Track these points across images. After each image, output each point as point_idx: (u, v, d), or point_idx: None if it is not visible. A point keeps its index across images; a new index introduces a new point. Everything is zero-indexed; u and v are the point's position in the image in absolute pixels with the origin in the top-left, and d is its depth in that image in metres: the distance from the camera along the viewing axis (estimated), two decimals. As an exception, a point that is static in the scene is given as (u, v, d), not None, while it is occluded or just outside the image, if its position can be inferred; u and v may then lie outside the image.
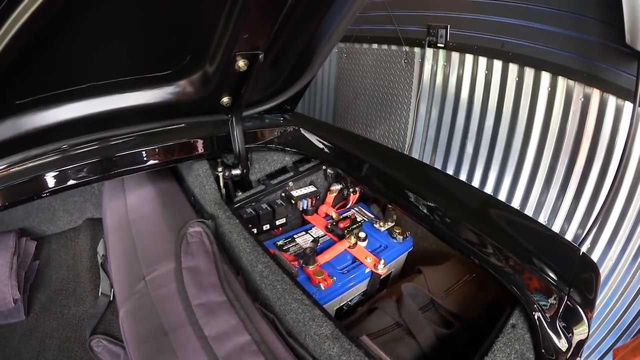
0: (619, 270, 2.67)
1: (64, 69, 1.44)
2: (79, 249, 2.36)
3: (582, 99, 2.58)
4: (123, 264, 1.65)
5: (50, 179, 1.65)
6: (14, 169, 1.58)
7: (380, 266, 1.84)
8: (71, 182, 1.70)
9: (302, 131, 2.34)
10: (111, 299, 1.97)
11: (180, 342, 1.28)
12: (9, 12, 1.00)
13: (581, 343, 1.30)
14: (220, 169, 2.02)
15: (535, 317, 1.30)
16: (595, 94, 2.51)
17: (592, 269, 1.47)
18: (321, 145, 2.29)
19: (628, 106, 2.38)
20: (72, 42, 1.32)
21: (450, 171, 3.55)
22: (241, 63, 1.68)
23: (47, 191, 1.66)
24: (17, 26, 1.03)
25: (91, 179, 1.76)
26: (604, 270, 2.73)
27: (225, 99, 1.90)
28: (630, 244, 2.59)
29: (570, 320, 1.30)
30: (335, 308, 1.83)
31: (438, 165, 3.65)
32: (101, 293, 1.98)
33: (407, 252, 2.11)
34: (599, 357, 2.91)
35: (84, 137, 1.72)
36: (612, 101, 2.46)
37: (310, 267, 1.76)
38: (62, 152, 1.67)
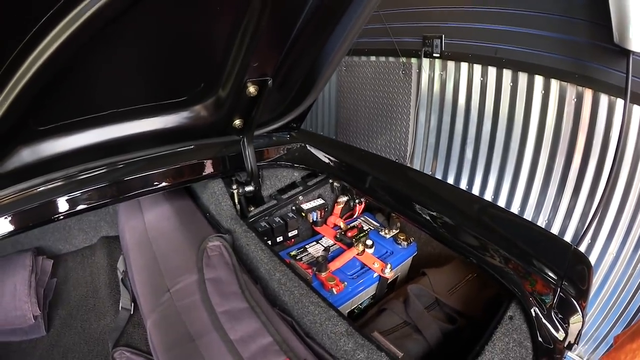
0: (620, 263, 2.82)
1: (86, 98, 1.59)
2: (96, 266, 2.49)
3: (575, 100, 2.73)
4: (146, 278, 1.83)
5: (69, 202, 1.78)
6: (33, 192, 1.71)
7: (387, 270, 2.02)
8: (90, 204, 1.84)
9: (309, 147, 2.53)
10: (132, 312, 2.05)
11: (207, 346, 1.45)
12: (36, 44, 1.13)
13: (578, 332, 1.44)
14: (234, 187, 2.21)
15: (531, 309, 1.45)
16: (588, 94, 2.67)
17: (584, 262, 1.61)
18: (327, 161, 2.49)
19: (620, 103, 2.53)
20: (94, 72, 1.47)
21: (451, 177, 3.70)
22: (252, 89, 1.85)
23: (66, 213, 1.79)
24: (43, 58, 1.16)
25: (110, 201, 1.91)
26: (605, 264, 2.88)
27: (237, 122, 2.08)
28: (630, 237, 2.73)
29: (565, 310, 1.44)
30: (347, 311, 1.99)
31: (439, 171, 3.80)
32: (122, 307, 2.06)
33: (411, 257, 2.29)
34: (608, 346, 3.03)
35: (102, 161, 1.87)
36: (604, 99, 2.61)
37: (323, 273, 1.95)
38: (82, 175, 1.82)
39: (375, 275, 2.08)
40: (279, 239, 2.30)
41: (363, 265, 2.11)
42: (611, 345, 2.92)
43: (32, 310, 2.06)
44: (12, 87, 1.23)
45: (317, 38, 1.81)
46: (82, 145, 1.75)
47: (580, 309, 1.45)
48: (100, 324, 2.14)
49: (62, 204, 1.78)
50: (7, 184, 1.69)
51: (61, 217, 1.80)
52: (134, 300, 2.07)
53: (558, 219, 3.07)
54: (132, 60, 1.55)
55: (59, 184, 1.78)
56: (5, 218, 1.66)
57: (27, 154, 1.63)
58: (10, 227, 1.67)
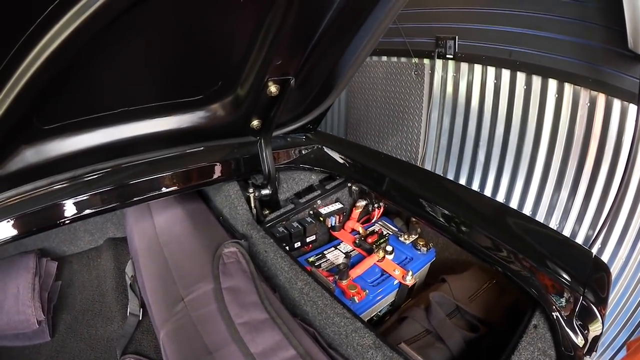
0: (630, 267, 2.77)
1: (95, 95, 1.50)
2: (103, 269, 2.38)
3: (589, 104, 2.68)
4: (158, 285, 1.73)
5: (75, 206, 1.68)
6: (37, 195, 1.61)
7: (409, 277, 1.94)
8: (98, 208, 1.75)
9: (326, 149, 2.44)
10: (140, 318, 1.99)
11: (226, 359, 1.36)
12: (41, 36, 1.04)
13: (596, 338, 1.41)
14: (251, 190, 2.09)
15: (554, 317, 1.41)
16: (601, 98, 2.61)
17: (604, 269, 1.59)
18: (345, 163, 2.40)
19: (632, 108, 2.48)
20: (104, 68, 1.38)
21: (463, 178, 3.64)
22: (273, 88, 1.76)
23: (71, 218, 1.69)
24: (48, 52, 1.07)
25: (119, 205, 1.82)
26: (614, 269, 2.83)
27: (255, 122, 1.98)
28: (640, 242, 2.67)
29: (586, 318, 1.41)
30: (366, 319, 1.85)
31: (451, 173, 3.73)
32: (130, 313, 1.99)
33: (430, 263, 2.18)
34: (613, 352, 3.00)
35: (112, 162, 1.78)
36: (617, 104, 2.55)
37: (344, 281, 1.85)
38: (89, 177, 1.73)
39: (395, 282, 1.98)
40: (297, 244, 2.17)
41: (383, 272, 2.02)
42: (620, 349, 2.97)
43: (36, 314, 1.97)
44: (15, 83, 1.14)
45: (342, 37, 1.72)
46: (90, 145, 1.65)
47: (601, 316, 1.42)
48: (107, 329, 2.06)
49: (68, 208, 1.68)
50: (10, 186, 1.60)
51: (67, 222, 1.69)
52: (142, 305, 1.99)
53: (569, 223, 3.01)
54: (145, 55, 1.46)
55: (65, 186, 1.68)
56: (8, 222, 1.56)
57: (31, 155, 1.54)
58: (13, 232, 1.58)
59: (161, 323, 1.56)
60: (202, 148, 2.02)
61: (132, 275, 2.08)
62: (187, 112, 1.82)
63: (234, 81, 1.77)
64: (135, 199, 1.84)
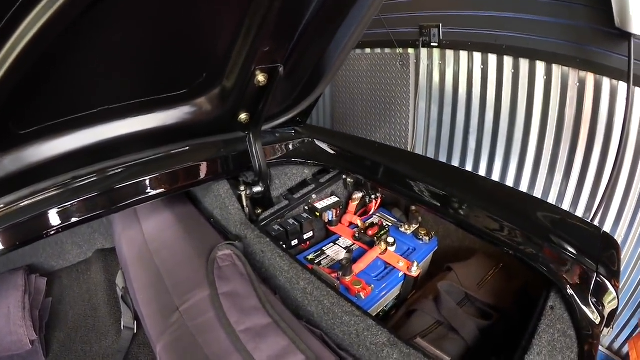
0: (628, 245, 2.69)
1: (73, 94, 1.36)
2: (93, 283, 2.27)
3: (578, 84, 2.59)
4: (152, 296, 1.58)
5: (60, 215, 1.52)
6: (21, 205, 1.45)
7: (414, 269, 1.81)
8: (84, 216, 1.57)
9: (317, 142, 2.31)
10: (135, 331, 1.90)
11: None
12: (9, 32, 0.92)
13: (613, 313, 1.35)
14: (242, 188, 1.95)
15: (570, 295, 1.33)
16: (590, 78, 2.52)
17: (614, 244, 1.53)
18: (338, 155, 2.27)
19: (622, 86, 2.39)
20: (81, 64, 1.24)
21: None
22: (261, 77, 1.63)
23: (57, 228, 1.53)
24: (18, 48, 0.94)
25: (106, 212, 1.66)
26: None
27: (242, 116, 1.84)
28: (637, 220, 2.61)
29: (601, 294, 1.34)
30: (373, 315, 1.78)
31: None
32: (124, 327, 1.89)
33: (432, 252, 2.07)
34: (618, 329, 2.93)
35: (96, 166, 1.63)
36: (606, 83, 2.47)
37: (348, 277, 1.72)
38: (73, 184, 1.57)
39: (400, 274, 1.86)
40: (294, 242, 2.03)
41: (387, 265, 1.89)
42: (623, 327, 2.88)
43: (28, 334, 1.86)
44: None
45: (330, 24, 1.62)
46: (72, 149, 1.50)
47: (615, 290, 1.36)
48: (102, 345, 1.98)
49: (53, 218, 1.51)
50: (-9, 198, 1.41)
51: (52, 233, 1.53)
52: (136, 318, 1.89)
53: (565, 206, 2.90)
54: (123, 49, 1.31)
55: (48, 195, 1.51)
56: None
57: (9, 163, 1.38)
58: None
59: (157, 336, 1.41)
60: (188, 147, 1.88)
61: (123, 287, 1.96)
62: (172, 107, 1.68)
63: (220, 72, 1.63)
64: (122, 204, 1.67)
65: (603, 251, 1.47)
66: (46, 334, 2.00)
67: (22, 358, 1.86)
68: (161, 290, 1.56)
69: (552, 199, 2.95)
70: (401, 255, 1.91)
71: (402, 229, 2.08)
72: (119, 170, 1.68)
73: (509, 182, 3.15)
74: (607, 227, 2.74)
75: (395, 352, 1.25)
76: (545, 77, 2.72)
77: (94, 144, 1.54)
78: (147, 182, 1.73)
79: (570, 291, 1.33)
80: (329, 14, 1.52)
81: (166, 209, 2.00)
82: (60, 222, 1.53)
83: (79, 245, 2.42)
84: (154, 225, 1.92)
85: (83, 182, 1.59)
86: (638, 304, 2.78)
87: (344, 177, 2.31)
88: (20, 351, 1.84)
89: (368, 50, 3.80)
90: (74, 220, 1.56)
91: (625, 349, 2.92)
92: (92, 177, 1.61)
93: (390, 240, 1.94)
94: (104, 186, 1.62)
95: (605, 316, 1.32)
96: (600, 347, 3.02)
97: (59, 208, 1.51)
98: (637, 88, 2.36)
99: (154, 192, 1.76)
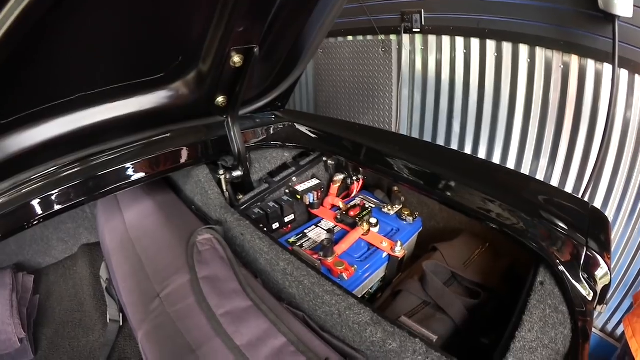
0: (618, 226, 2.68)
1: (50, 81, 1.32)
2: (79, 277, 2.25)
3: (562, 67, 2.57)
4: (133, 285, 1.54)
5: (43, 204, 1.49)
6: (4, 197, 1.43)
7: (398, 248, 1.77)
8: (67, 204, 1.54)
9: (297, 126, 2.28)
10: (121, 324, 1.89)
11: (211, 356, 1.19)
12: None
13: (605, 289, 1.33)
14: (221, 172, 1.91)
15: (560, 270, 1.30)
16: (574, 60, 2.50)
17: (602, 218, 1.52)
18: (318, 137, 2.24)
19: (607, 67, 2.38)
20: (56, 51, 1.21)
21: None
22: (236, 59, 1.58)
23: (40, 217, 1.50)
24: None
25: (88, 198, 1.63)
26: None
27: (220, 99, 1.79)
28: (625, 201, 2.59)
29: (592, 269, 1.32)
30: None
31: None
32: (110, 320, 1.88)
33: (417, 233, 2.05)
34: (611, 311, 2.93)
35: (76, 155, 1.59)
36: (591, 65, 2.45)
37: (330, 258, 1.67)
38: (54, 173, 1.54)
39: (384, 255, 1.82)
40: (275, 225, 2.00)
41: (370, 246, 1.85)
42: (617, 308, 2.89)
43: (17, 332, 1.84)
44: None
45: (305, 3, 1.61)
46: (52, 137, 1.47)
47: (606, 265, 1.34)
48: (89, 339, 1.96)
49: (36, 208, 1.48)
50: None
51: (35, 223, 1.49)
52: (121, 310, 1.89)
53: (552, 187, 2.85)
54: (98, 33, 1.27)
55: (31, 186, 1.49)
56: None
57: None
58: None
59: (138, 324, 1.37)
60: (167, 132, 1.84)
61: (107, 278, 1.96)
62: (149, 92, 1.65)
63: (196, 55, 1.59)
64: (103, 190, 1.65)
65: (592, 225, 1.44)
66: (34, 331, 1.98)
67: (11, 357, 1.83)
68: (142, 278, 1.52)
69: (538, 181, 2.91)
70: (385, 236, 1.88)
71: (385, 210, 2.05)
72: (99, 157, 1.65)
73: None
74: (595, 209, 2.71)
75: (379, 330, 1.20)
76: (529, 60, 2.70)
77: (74, 132, 1.51)
78: (127, 169, 1.70)
79: (560, 266, 1.30)
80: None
81: (147, 197, 1.97)
82: (42, 212, 1.50)
83: (64, 241, 2.39)
84: (135, 214, 1.89)
85: (64, 171, 1.56)
86: (630, 285, 2.76)
87: (324, 159, 2.28)
88: (9, 350, 1.81)
89: (350, 38, 3.77)
90: (57, 208, 1.53)
91: (619, 330, 2.92)
92: (73, 165, 1.58)
93: (373, 221, 1.91)
94: (85, 174, 1.59)
95: (598, 292, 1.30)
96: (593, 329, 3.01)
97: (40, 198, 1.48)
98: (622, 70, 2.34)
99: (134, 178, 1.73)
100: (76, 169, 1.58)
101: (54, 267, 2.35)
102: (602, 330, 3.02)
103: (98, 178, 1.62)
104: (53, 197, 1.51)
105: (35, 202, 1.47)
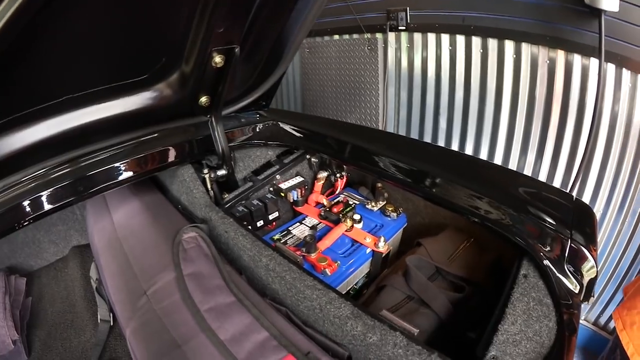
0: (608, 219, 2.69)
1: (37, 85, 1.35)
2: (70, 279, 2.26)
3: (548, 62, 2.58)
4: (121, 283, 1.56)
5: (33, 205, 1.52)
6: None
7: (381, 244, 1.80)
8: (54, 205, 1.57)
9: (281, 124, 2.30)
10: (111, 324, 1.89)
11: (196, 351, 1.21)
12: None
13: (592, 282, 1.32)
14: (205, 171, 1.94)
15: (544, 263, 1.31)
16: (561, 55, 2.52)
17: (587, 210, 1.52)
18: (302, 135, 2.26)
19: (594, 62, 2.39)
20: (42, 56, 1.24)
21: None
22: (218, 59, 1.62)
23: (30, 218, 1.52)
24: None
25: (75, 199, 1.65)
26: None
27: (203, 99, 1.83)
28: (615, 194, 2.60)
29: (578, 261, 1.32)
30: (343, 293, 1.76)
31: None
32: (100, 319, 1.89)
33: (402, 229, 2.07)
34: (603, 305, 2.94)
35: (63, 156, 1.62)
36: (577, 60, 2.46)
37: (313, 254, 1.70)
38: (42, 175, 1.57)
39: (368, 251, 1.85)
40: (260, 223, 2.03)
41: (354, 242, 1.89)
42: (609, 301, 2.90)
43: (10, 334, 1.83)
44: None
45: (285, 3, 1.65)
46: (40, 139, 1.50)
47: (592, 257, 1.34)
48: (80, 340, 1.96)
49: (25, 209, 1.51)
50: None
51: (25, 223, 1.52)
52: (111, 310, 1.88)
53: (540, 182, 2.86)
54: (84, 36, 1.30)
55: (20, 188, 1.52)
56: None
57: None
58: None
59: (126, 321, 1.40)
60: (153, 133, 1.88)
61: (96, 279, 1.96)
62: (134, 93, 1.68)
63: (178, 56, 1.62)
64: (90, 191, 1.68)
65: (576, 218, 1.45)
66: (28, 333, 1.98)
67: (5, 359, 1.83)
68: (130, 276, 1.55)
69: (526, 176, 2.93)
70: (369, 232, 1.90)
71: (369, 206, 2.08)
72: (87, 158, 1.68)
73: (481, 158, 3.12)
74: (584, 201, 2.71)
75: (359, 324, 1.22)
76: (514, 56, 2.71)
77: (61, 133, 1.54)
78: (114, 169, 1.73)
79: (543, 258, 1.32)
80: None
81: (135, 198, 2.00)
82: (32, 213, 1.53)
83: (55, 243, 2.41)
84: (122, 214, 1.92)
85: (54, 172, 1.59)
86: (622, 278, 2.78)
87: (308, 156, 2.30)
88: (3, 352, 1.81)
89: (336, 37, 3.78)
90: (47, 208, 1.56)
91: (612, 324, 2.91)
92: (62, 166, 1.62)
93: (357, 217, 1.93)
94: (74, 175, 1.62)
95: (585, 285, 1.31)
96: (586, 323, 3.05)
97: (30, 199, 1.51)
98: (609, 64, 2.35)
99: (120, 178, 1.76)
100: (65, 170, 1.61)
101: (45, 270, 2.36)
102: (595, 323, 3.03)
103: (86, 178, 1.65)
104: (43, 198, 1.54)
105: (25, 203, 1.49)
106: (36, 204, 1.52)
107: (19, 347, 1.86)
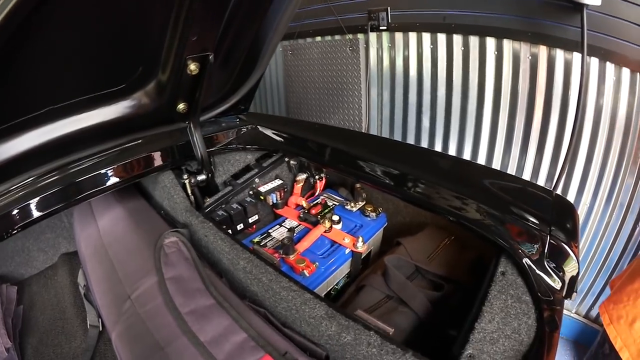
0: (595, 213, 2.70)
1: (18, 97, 1.38)
2: (60, 286, 2.28)
3: (530, 57, 2.59)
4: (106, 288, 1.60)
5: (19, 215, 1.55)
6: None
7: (360, 244, 1.81)
8: (41, 213, 1.60)
9: (260, 128, 2.34)
10: (100, 329, 1.91)
11: (178, 353, 1.24)
12: None
13: (574, 279, 1.32)
14: (185, 176, 1.98)
15: (523, 261, 1.31)
16: (543, 51, 2.53)
17: (567, 205, 1.54)
18: (280, 138, 2.30)
19: (577, 56, 2.40)
20: (22, 68, 1.27)
21: None
22: (192, 66, 1.65)
23: (19, 226, 1.56)
24: None
25: (61, 207, 1.68)
26: (580, 215, 2.73)
27: (181, 106, 1.86)
28: (601, 187, 2.61)
29: (558, 258, 1.33)
30: (323, 293, 1.79)
31: None
32: (90, 325, 1.91)
33: (382, 228, 2.09)
34: (594, 298, 2.95)
35: (47, 166, 1.66)
36: (560, 55, 2.47)
37: (291, 256, 1.72)
38: (30, 183, 1.61)
39: (347, 251, 1.85)
40: (240, 226, 2.05)
41: (333, 243, 1.89)
42: (599, 294, 2.90)
43: (3, 342, 1.83)
44: None
45: (257, 8, 1.69)
46: (23, 150, 1.54)
47: (574, 254, 1.34)
48: (71, 346, 1.97)
49: (12, 219, 1.54)
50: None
51: (13, 232, 1.55)
52: (99, 315, 1.88)
53: (525, 177, 2.90)
54: (61, 49, 1.33)
55: (6, 198, 1.55)
56: None
57: None
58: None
59: (112, 325, 1.43)
60: (133, 140, 1.91)
61: (84, 285, 1.99)
62: (113, 103, 1.71)
63: (154, 65, 1.65)
64: (75, 199, 1.71)
65: (556, 213, 1.46)
66: (20, 340, 2.00)
67: None
68: (114, 281, 1.58)
69: (511, 172, 2.94)
70: (348, 233, 1.91)
71: (348, 207, 2.09)
72: (73, 166, 1.72)
73: (465, 156, 3.15)
74: (571, 196, 2.73)
75: (333, 324, 1.24)
76: (496, 53, 2.72)
77: (43, 144, 1.57)
78: (96, 177, 1.76)
79: (522, 256, 1.32)
80: (254, 1, 1.56)
81: (119, 204, 2.03)
82: (19, 222, 1.56)
83: (44, 251, 2.44)
84: (107, 220, 1.95)
85: (39, 181, 1.63)
86: (611, 271, 2.79)
87: (287, 159, 2.32)
88: None
89: (318, 38, 3.78)
90: (35, 216, 1.59)
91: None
92: (47, 175, 1.66)
93: (335, 218, 1.94)
94: (59, 183, 1.66)
95: (567, 281, 1.31)
96: (576, 316, 3.06)
97: (15, 209, 1.54)
98: (592, 58, 2.37)
99: (103, 186, 1.79)
100: (52, 178, 1.65)
101: (35, 278, 2.39)
102: (586, 316, 3.05)
103: (73, 185, 1.69)
104: (31, 206, 1.57)
105: (14, 212, 1.53)
106: (25, 212, 1.56)
107: (12, 354, 1.86)
